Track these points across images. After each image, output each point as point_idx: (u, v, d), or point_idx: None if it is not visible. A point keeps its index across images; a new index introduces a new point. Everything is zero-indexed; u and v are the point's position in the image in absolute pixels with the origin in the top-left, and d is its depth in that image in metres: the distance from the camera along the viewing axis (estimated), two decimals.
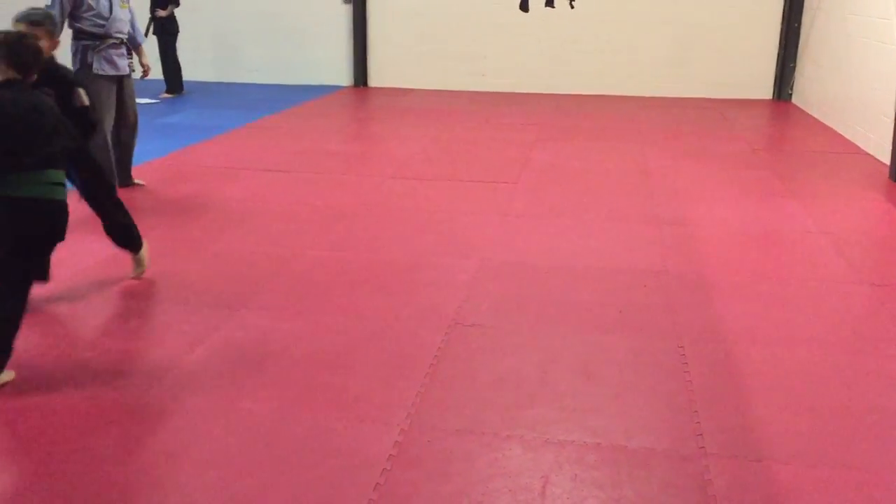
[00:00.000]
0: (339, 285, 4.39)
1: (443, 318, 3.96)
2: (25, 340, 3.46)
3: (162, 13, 10.59)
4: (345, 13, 12.03)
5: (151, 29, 10.46)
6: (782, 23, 10.88)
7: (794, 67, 10.81)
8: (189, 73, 11.25)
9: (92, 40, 5.93)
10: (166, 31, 10.70)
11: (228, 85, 12.05)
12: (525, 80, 11.71)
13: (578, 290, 4.34)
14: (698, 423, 3.05)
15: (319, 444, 2.89)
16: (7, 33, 3.40)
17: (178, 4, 10.79)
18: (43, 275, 3.59)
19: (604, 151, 7.85)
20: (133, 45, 6.35)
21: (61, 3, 5.80)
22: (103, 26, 5.97)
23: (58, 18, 5.80)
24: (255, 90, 11.65)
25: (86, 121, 3.87)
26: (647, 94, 11.36)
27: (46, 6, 5.80)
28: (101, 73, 5.93)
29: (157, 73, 9.40)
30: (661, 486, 2.68)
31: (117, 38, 6.06)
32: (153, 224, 5.41)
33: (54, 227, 3.38)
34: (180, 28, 10.90)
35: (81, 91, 3.86)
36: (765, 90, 11.19)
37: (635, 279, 4.51)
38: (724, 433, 2.98)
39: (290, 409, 3.12)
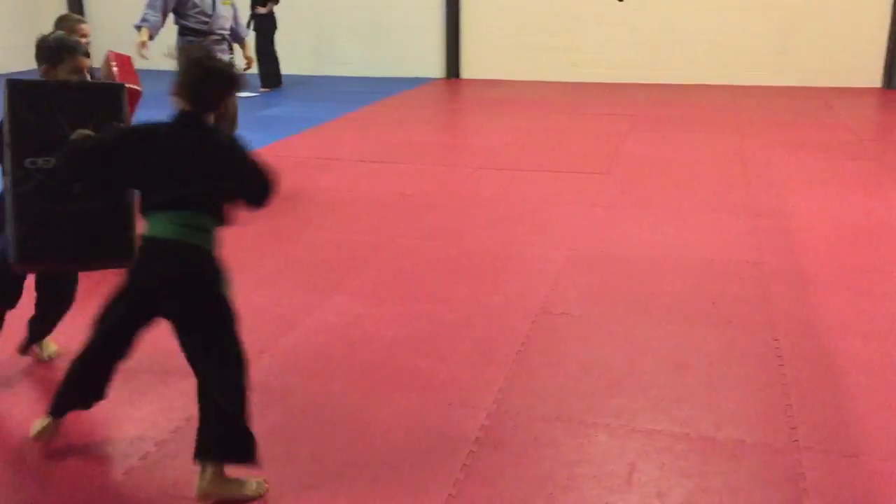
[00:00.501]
0: (429, 273, 4.47)
1: (531, 307, 3.98)
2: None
3: (262, 10, 10.93)
4: (438, 5, 12.13)
5: (252, 25, 10.80)
6: (893, 6, 10.37)
7: None
8: (286, 67, 11.57)
9: (196, 36, 6.20)
10: (264, 27, 11.04)
11: (323, 78, 12.33)
12: (618, 71, 11.56)
13: (669, 282, 4.29)
14: (791, 416, 2.98)
15: (408, 425, 2.96)
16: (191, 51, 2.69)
17: (277, 2, 11.10)
18: None
19: (699, 142, 7.68)
20: (237, 40, 6.61)
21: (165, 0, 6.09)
22: (207, 23, 6.24)
23: (159, 14, 6.11)
24: (350, 83, 11.88)
25: None
26: (747, 83, 11.03)
27: (149, 2, 6.12)
28: None
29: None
30: (750, 478, 2.63)
31: (219, 35, 6.33)
32: (253, 214, 5.61)
33: None
34: (278, 24, 11.22)
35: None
36: (874, 78, 10.70)
37: (729, 271, 4.42)
38: (819, 428, 2.91)
39: (380, 392, 3.20)
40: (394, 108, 9.86)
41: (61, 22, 4.05)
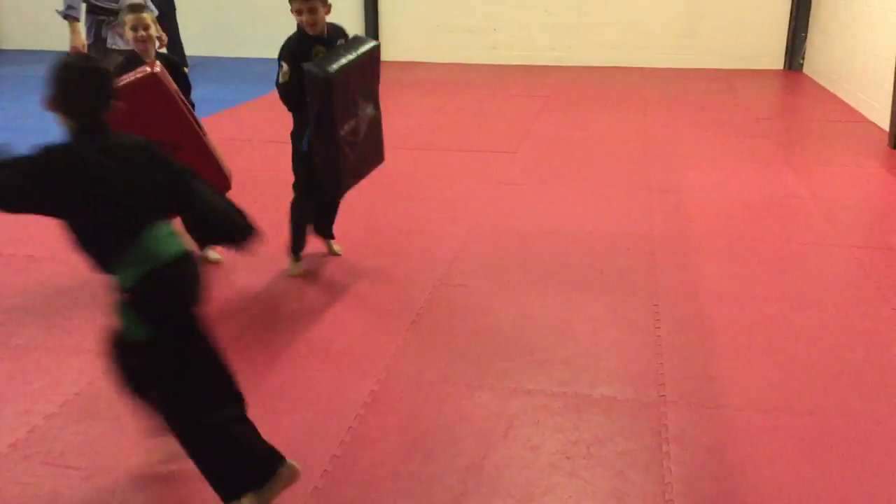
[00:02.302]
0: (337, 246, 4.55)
1: (429, 279, 4.11)
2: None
3: None
4: None
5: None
6: None
7: (805, 37, 10.76)
8: (189, 49, 11.38)
9: (106, 15, 6.07)
10: (167, 6, 10.80)
11: (230, 59, 12.17)
12: (535, 53, 11.75)
13: (563, 253, 4.47)
14: (662, 374, 3.19)
15: (300, 392, 3.07)
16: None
17: None
18: None
19: (606, 122, 7.92)
20: None
21: None
22: (117, 1, 6.12)
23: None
24: (261, 64, 11.78)
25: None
26: (657, 65, 11.35)
27: None
28: (114, 47, 6.09)
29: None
30: (618, 430, 2.82)
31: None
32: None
33: None
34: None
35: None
36: (776, 60, 11.14)
37: (620, 243, 4.63)
38: (686, 383, 3.12)
39: (274, 361, 3.29)
40: None
41: None
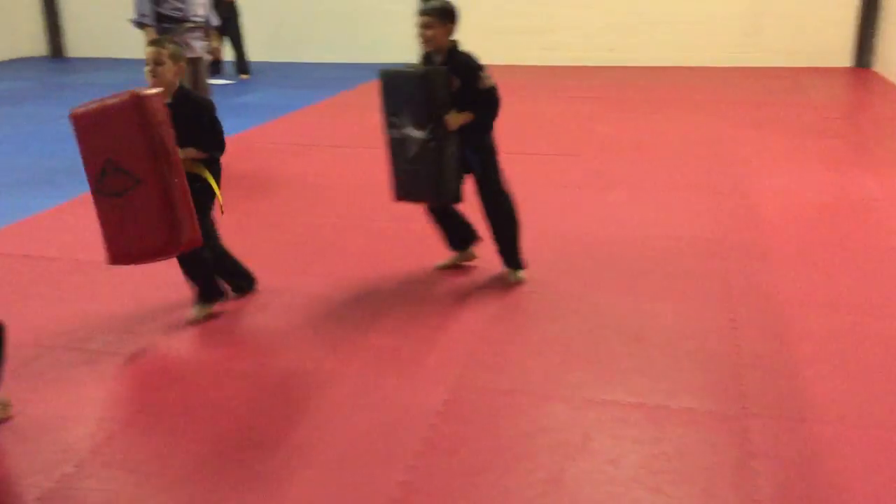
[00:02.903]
0: (398, 254, 4.53)
1: (497, 284, 4.07)
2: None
3: None
4: None
5: (219, 13, 10.68)
6: None
7: (875, 33, 10.43)
8: (253, 55, 11.53)
9: (171, 23, 6.17)
10: (232, 14, 10.95)
11: (293, 65, 12.30)
12: (591, 54, 11.62)
13: (631, 259, 4.38)
14: (742, 385, 3.08)
15: (371, 401, 3.04)
16: None
17: None
18: None
19: (669, 123, 7.77)
20: (209, 27, 6.61)
21: None
22: (181, 10, 6.21)
23: (149, 5, 6.06)
24: (321, 70, 11.87)
25: (493, 99, 4.06)
26: (718, 64, 11.13)
27: None
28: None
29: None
30: (699, 443, 2.73)
31: (194, 22, 6.31)
32: (226, 198, 5.66)
33: None
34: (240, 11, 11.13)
35: (484, 74, 4.02)
36: (844, 57, 10.83)
37: (690, 247, 4.52)
38: (768, 395, 3.01)
39: (345, 369, 3.28)
40: (367, 95, 9.80)
41: None
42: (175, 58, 3.53)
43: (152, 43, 3.57)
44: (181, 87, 3.57)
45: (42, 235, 4.96)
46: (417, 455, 2.70)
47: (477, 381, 3.17)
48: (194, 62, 6.35)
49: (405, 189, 4.11)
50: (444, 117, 3.87)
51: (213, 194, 3.70)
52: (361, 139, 7.37)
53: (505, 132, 7.51)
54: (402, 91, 3.97)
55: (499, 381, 3.17)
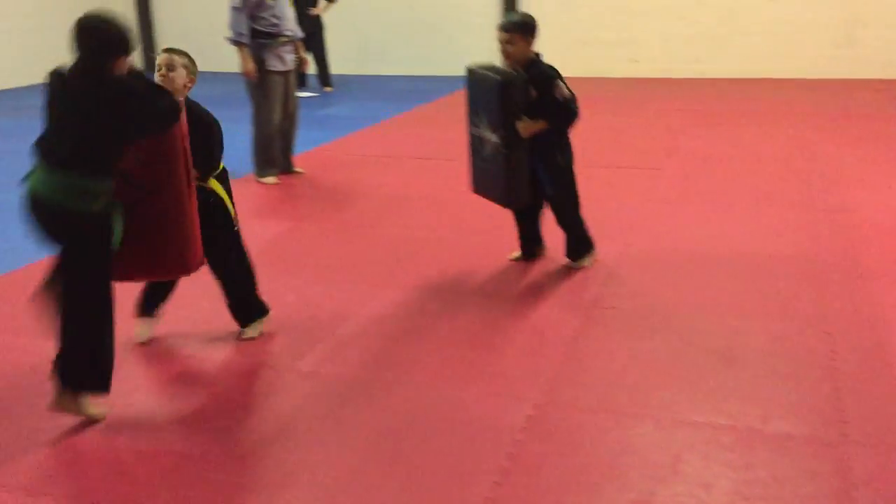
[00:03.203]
0: (483, 268, 4.52)
1: (581, 301, 4.01)
2: (175, 313, 3.82)
3: (316, 11, 11.03)
4: (495, 2, 12.16)
5: (305, 26, 10.80)
6: None
7: None
8: (336, 68, 11.69)
9: (266, 39, 6.31)
10: (318, 27, 11.12)
11: (374, 77, 12.45)
12: (677, 66, 11.41)
13: (721, 276, 4.26)
14: (842, 410, 2.96)
15: (456, 415, 3.03)
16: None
17: (334, 0, 11.20)
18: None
19: (759, 137, 7.56)
20: (296, 41, 6.74)
21: (245, 3, 6.19)
22: (277, 25, 6.36)
23: (245, 23, 6.20)
24: (404, 82, 11.99)
25: (570, 110, 4.06)
26: (811, 76, 10.77)
27: (233, 6, 6.21)
28: (272, 69, 6.34)
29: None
30: (797, 471, 2.63)
31: (287, 36, 6.45)
32: (311, 209, 5.78)
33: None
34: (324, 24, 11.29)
35: (560, 83, 4.05)
36: None
37: (784, 265, 4.37)
38: (869, 422, 2.88)
39: (430, 382, 3.28)
40: (450, 106, 9.92)
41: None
42: (188, 68, 3.45)
43: (167, 50, 3.54)
44: (188, 99, 3.45)
45: None
46: (503, 471, 2.67)
47: (562, 398, 3.13)
48: (286, 75, 6.49)
49: (479, 184, 4.39)
50: (515, 125, 3.94)
51: (227, 209, 3.55)
52: (443, 151, 7.40)
53: (588, 145, 7.45)
54: (482, 91, 4.09)
55: (584, 398, 3.12)
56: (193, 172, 3.24)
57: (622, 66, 11.68)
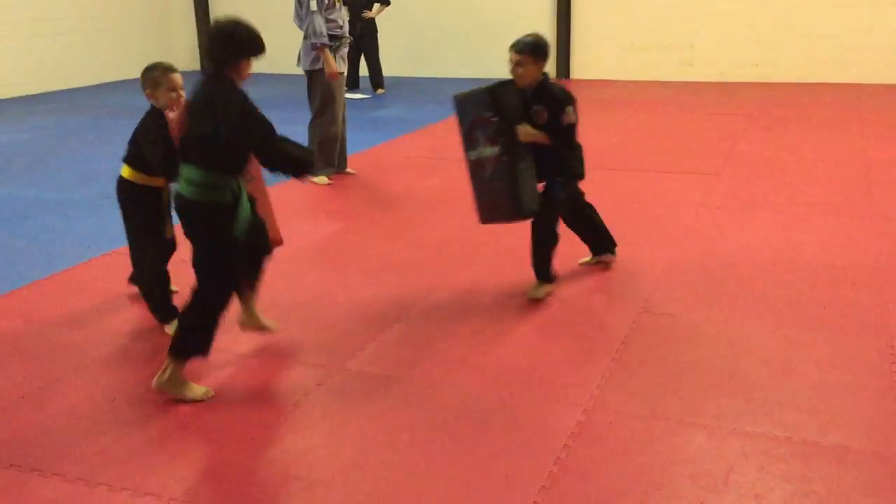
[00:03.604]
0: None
1: (632, 306, 3.96)
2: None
3: (370, 14, 11.11)
4: (548, 5, 12.11)
5: (358, 29, 10.78)
6: None
7: None
8: (389, 70, 11.76)
9: (333, 41, 6.42)
10: (372, 30, 11.19)
11: (427, 80, 12.49)
12: (735, 70, 11.23)
13: (778, 284, 4.17)
14: None
15: (505, 418, 3.02)
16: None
17: (388, 4, 11.27)
18: None
19: (819, 143, 7.39)
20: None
21: (321, 5, 6.27)
22: (341, 28, 6.48)
23: (322, 22, 6.26)
24: (455, 85, 11.97)
25: (569, 138, 3.99)
26: (873, 81, 10.51)
27: (313, 11, 6.29)
28: (339, 71, 6.47)
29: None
30: (856, 485, 2.55)
31: (347, 40, 6.57)
32: (362, 210, 5.82)
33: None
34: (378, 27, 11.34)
35: (570, 109, 3.98)
36: None
37: (844, 275, 4.26)
38: None
39: (479, 385, 3.27)
40: None
41: (148, 73, 3.68)
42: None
43: (169, 68, 3.66)
44: None
45: None
46: (551, 476, 2.65)
47: (612, 405, 3.09)
48: (343, 77, 6.60)
49: (485, 211, 4.14)
50: (514, 128, 3.88)
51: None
52: None
53: (641, 150, 7.38)
54: (474, 109, 4.02)
55: (635, 406, 3.07)
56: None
57: (677, 70, 11.53)
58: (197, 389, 3.19)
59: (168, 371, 3.15)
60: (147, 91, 3.66)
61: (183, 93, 3.64)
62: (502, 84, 4.01)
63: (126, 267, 4.19)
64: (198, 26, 14.38)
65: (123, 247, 4.91)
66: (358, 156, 7.33)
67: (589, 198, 4.48)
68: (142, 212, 3.79)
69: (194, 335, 3.18)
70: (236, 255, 3.25)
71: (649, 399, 3.12)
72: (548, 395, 3.17)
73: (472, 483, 2.63)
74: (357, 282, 4.42)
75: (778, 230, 5.02)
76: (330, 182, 6.50)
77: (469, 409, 3.09)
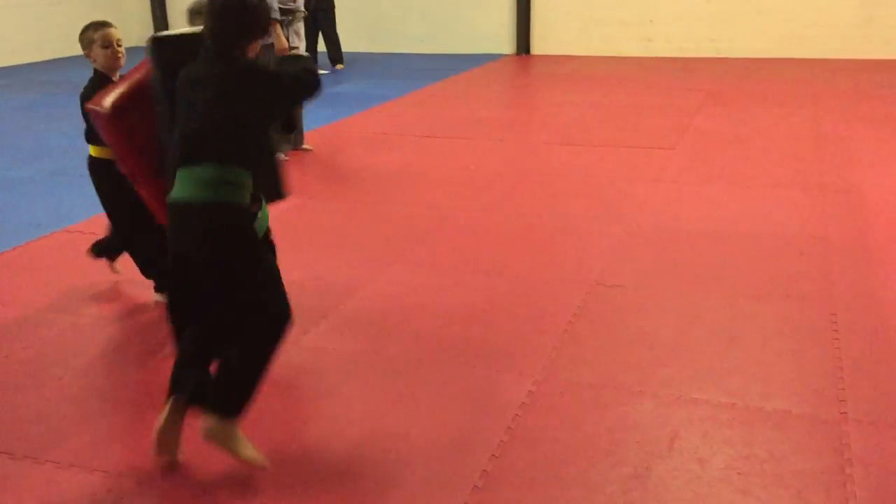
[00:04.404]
0: (487, 246, 4.53)
1: (585, 279, 4.02)
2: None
3: None
4: None
5: (315, 3, 10.62)
6: None
7: None
8: (347, 45, 11.66)
9: (284, 15, 6.30)
10: (329, 5, 11.05)
11: (387, 56, 12.42)
12: (693, 45, 11.33)
13: (727, 256, 4.25)
14: (842, 389, 2.95)
15: (456, 390, 3.05)
16: None
17: None
18: None
19: (773, 118, 7.50)
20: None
21: None
22: (294, 1, 6.35)
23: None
24: (415, 60, 11.95)
25: None
26: (828, 56, 10.68)
27: None
28: (293, 46, 6.36)
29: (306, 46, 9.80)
30: (794, 447, 2.63)
31: (302, 12, 6.45)
32: (318, 185, 5.80)
33: None
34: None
35: None
36: None
37: (791, 246, 4.36)
38: (869, 401, 2.88)
39: (430, 358, 3.30)
40: (461, 85, 9.91)
41: (82, 33, 3.55)
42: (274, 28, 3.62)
43: (105, 24, 3.49)
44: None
45: None
46: (501, 445, 2.69)
47: (563, 374, 3.14)
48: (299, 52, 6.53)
49: None
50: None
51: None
52: (451, 130, 7.40)
53: (599, 125, 7.44)
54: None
55: (585, 375, 3.13)
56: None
57: (636, 45, 11.60)
58: (252, 450, 2.56)
59: (226, 430, 2.52)
60: (85, 52, 3.55)
61: (121, 49, 3.52)
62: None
63: (79, 244, 4.14)
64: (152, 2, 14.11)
65: (74, 224, 4.84)
66: (315, 132, 7.29)
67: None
68: (120, 187, 3.36)
69: (257, 385, 2.58)
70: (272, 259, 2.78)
71: (599, 369, 3.18)
72: (500, 366, 3.22)
73: (422, 451, 2.67)
74: (313, 258, 4.41)
75: (730, 203, 5.10)
76: (286, 158, 6.45)
77: (422, 379, 3.12)
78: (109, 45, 3.50)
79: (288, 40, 6.33)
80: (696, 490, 2.45)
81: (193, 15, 3.57)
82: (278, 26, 6.20)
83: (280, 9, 6.24)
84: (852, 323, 3.46)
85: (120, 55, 3.54)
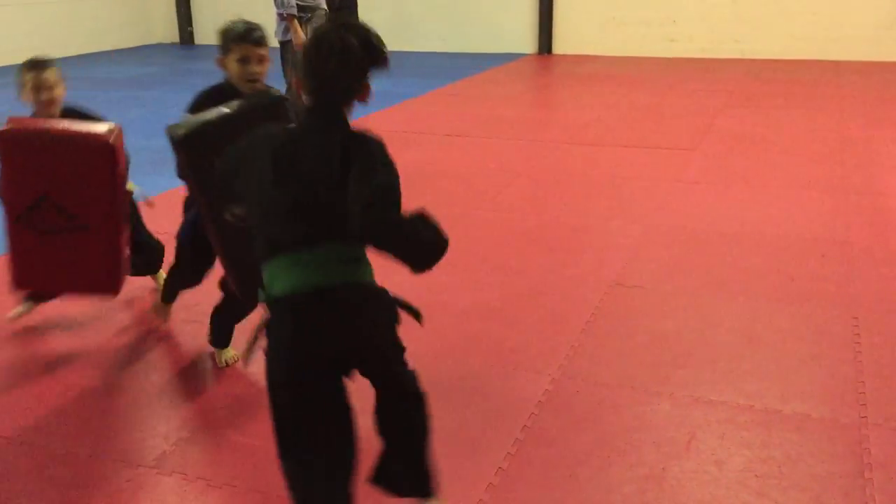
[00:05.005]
0: (506, 244, 4.53)
1: (604, 279, 4.01)
2: None
3: None
4: None
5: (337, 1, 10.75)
6: None
7: None
8: None
9: (303, 12, 6.34)
10: (351, 2, 11.08)
11: (409, 54, 12.42)
12: (716, 46, 11.26)
13: (748, 257, 4.22)
14: (862, 393, 2.93)
15: (473, 387, 3.06)
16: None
17: None
18: None
19: (796, 119, 7.44)
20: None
21: None
22: None
23: None
24: (437, 59, 11.95)
25: None
26: (852, 58, 10.57)
27: None
28: None
29: None
30: (812, 450, 2.62)
31: (323, 10, 6.48)
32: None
33: None
34: None
35: None
36: None
37: (813, 248, 4.32)
38: (891, 405, 2.85)
39: (448, 355, 3.31)
40: (482, 84, 9.90)
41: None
42: (60, 74, 3.25)
43: (40, 66, 3.20)
44: (67, 105, 3.34)
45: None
46: (517, 443, 2.69)
47: (580, 374, 3.14)
48: None
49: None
50: None
51: None
52: (472, 128, 7.40)
53: (620, 125, 7.40)
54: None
55: (603, 375, 3.12)
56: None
57: (659, 46, 11.54)
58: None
59: None
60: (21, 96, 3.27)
61: (55, 92, 3.22)
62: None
63: None
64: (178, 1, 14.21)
65: None
66: None
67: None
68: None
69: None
70: None
71: (617, 368, 3.17)
72: (517, 365, 3.22)
73: (439, 449, 2.66)
74: None
75: (751, 205, 5.07)
76: None
77: (439, 378, 3.12)
78: (40, 89, 3.23)
79: (306, 37, 6.35)
80: (712, 492, 2.44)
81: (229, 40, 3.18)
82: (295, 22, 6.22)
83: (299, 5, 6.27)
84: (873, 326, 3.43)
85: (56, 98, 3.26)
